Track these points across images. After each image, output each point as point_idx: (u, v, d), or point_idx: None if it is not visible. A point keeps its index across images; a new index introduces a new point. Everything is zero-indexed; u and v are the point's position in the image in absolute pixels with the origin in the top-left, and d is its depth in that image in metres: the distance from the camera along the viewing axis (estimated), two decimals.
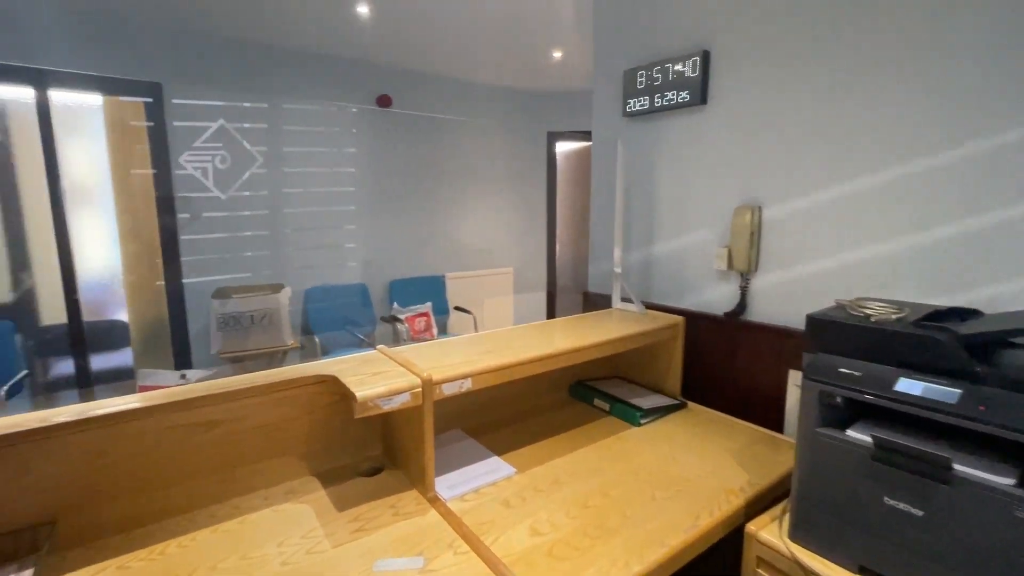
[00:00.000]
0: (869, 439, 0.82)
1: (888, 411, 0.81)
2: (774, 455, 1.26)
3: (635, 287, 1.85)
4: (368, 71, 3.72)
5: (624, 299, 1.76)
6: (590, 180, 2.03)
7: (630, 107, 1.77)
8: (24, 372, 2.52)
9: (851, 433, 0.85)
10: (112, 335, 3.10)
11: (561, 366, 1.27)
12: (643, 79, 1.71)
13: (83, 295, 2.98)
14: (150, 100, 3.01)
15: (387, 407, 0.99)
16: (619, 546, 0.92)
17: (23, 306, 2.89)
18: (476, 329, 4.04)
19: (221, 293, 3.12)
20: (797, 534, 0.91)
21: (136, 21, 2.93)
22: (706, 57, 1.54)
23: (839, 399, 0.86)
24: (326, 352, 3.51)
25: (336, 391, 1.17)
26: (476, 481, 1.13)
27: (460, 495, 1.08)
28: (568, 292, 4.98)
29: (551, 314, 4.91)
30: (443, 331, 4.06)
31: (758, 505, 1.08)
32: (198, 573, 0.86)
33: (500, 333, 1.41)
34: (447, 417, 1.39)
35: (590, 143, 2.02)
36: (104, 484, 0.96)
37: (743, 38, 1.46)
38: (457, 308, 4.20)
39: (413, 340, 3.50)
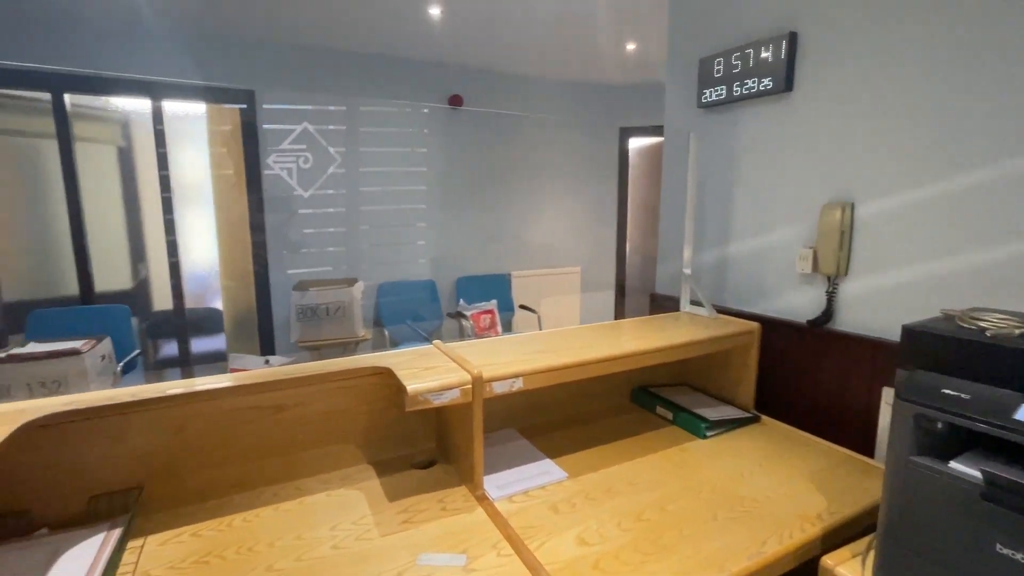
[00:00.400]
0: (978, 474, 0.70)
1: (1001, 442, 0.69)
2: (861, 482, 1.12)
3: (707, 290, 1.73)
4: (440, 72, 3.81)
5: (693, 302, 1.65)
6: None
7: (705, 97, 1.66)
8: (137, 351, 2.84)
9: (955, 465, 0.73)
10: (209, 321, 3.42)
11: (621, 369, 1.21)
12: (720, 67, 1.60)
13: (186, 285, 3.31)
14: (244, 106, 3.28)
15: (437, 402, 0.99)
16: (673, 566, 0.86)
17: (139, 293, 3.27)
18: (540, 328, 4.02)
19: (301, 285, 3.34)
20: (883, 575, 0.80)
21: (235, 35, 3.20)
22: (793, 39, 1.41)
23: (940, 424, 0.74)
24: (395, 344, 3.64)
25: (392, 383, 1.19)
26: (526, 483, 1.10)
27: (508, 496, 1.06)
28: (637, 293, 4.82)
29: (619, 315, 4.78)
30: (508, 329, 4.08)
31: (838, 537, 0.97)
32: (258, 547, 0.90)
33: (559, 332, 1.37)
34: (501, 415, 1.38)
35: (661, 138, 1.92)
36: (183, 457, 1.04)
37: (837, 16, 1.32)
38: (522, 307, 4.20)
39: (478, 336, 3.54)
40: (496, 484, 1.10)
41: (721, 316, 1.56)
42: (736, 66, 1.55)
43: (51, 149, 2.98)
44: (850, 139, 1.31)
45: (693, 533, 0.94)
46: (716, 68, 1.61)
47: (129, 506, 0.98)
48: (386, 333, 3.68)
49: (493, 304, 3.74)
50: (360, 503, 1.04)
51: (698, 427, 1.36)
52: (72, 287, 3.04)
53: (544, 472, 1.15)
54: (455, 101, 3.87)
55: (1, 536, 0.89)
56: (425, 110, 3.79)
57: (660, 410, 1.48)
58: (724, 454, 1.25)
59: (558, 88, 4.33)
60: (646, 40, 3.29)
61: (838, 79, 1.33)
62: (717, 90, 1.62)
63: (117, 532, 0.91)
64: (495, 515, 0.99)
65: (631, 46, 3.41)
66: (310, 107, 3.43)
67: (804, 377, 1.44)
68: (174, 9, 2.82)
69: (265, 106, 3.31)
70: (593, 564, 0.86)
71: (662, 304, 1.89)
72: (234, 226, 3.43)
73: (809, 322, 1.42)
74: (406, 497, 1.06)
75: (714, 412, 1.42)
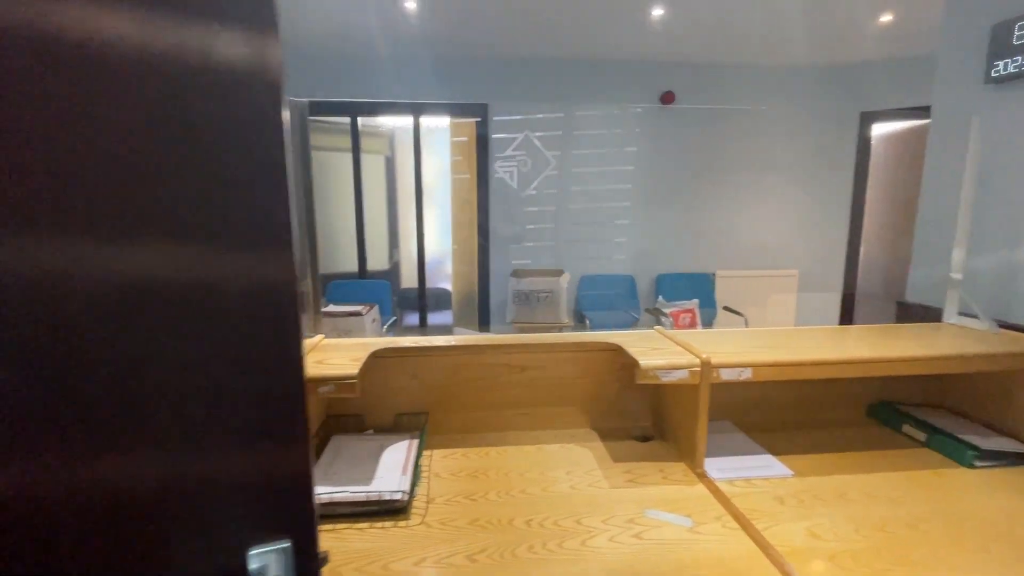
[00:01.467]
0: None
1: None
2: None
3: (983, 300, 1.46)
4: (653, 70, 3.83)
5: (963, 313, 1.42)
6: (921, 166, 1.67)
7: (997, 70, 1.39)
8: (393, 318, 3.57)
9: None
10: (441, 299, 4.09)
11: (862, 375, 1.13)
12: (1023, 31, 1.33)
13: (427, 268, 4.02)
14: (479, 119, 3.81)
15: (665, 379, 1.09)
16: None
17: (393, 272, 4.09)
18: None
19: (517, 273, 3.75)
20: None
21: (473, 55, 3.73)
22: None
23: None
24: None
25: (616, 360, 1.33)
26: (747, 471, 1.13)
27: (729, 479, 1.10)
28: (872, 300, 4.12)
29: (844, 324, 4.15)
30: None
31: None
32: (512, 474, 1.13)
33: (787, 331, 1.34)
34: (718, 407, 1.40)
35: (920, 122, 1.66)
36: (454, 395, 1.34)
37: None
38: (726, 308, 3.97)
39: None
40: (715, 467, 1.14)
41: (1004, 331, 1.31)
42: None
43: (343, 160, 3.92)
44: None
45: (953, 559, 0.86)
46: (1016, 34, 1.34)
47: (420, 425, 1.31)
48: (587, 321, 3.89)
49: (694, 303, 3.63)
50: (588, 458, 1.20)
51: (963, 454, 1.18)
52: (353, 265, 3.97)
53: (766, 465, 1.16)
54: (667, 99, 3.85)
55: (346, 430, 1.29)
56: (638, 109, 3.86)
57: (908, 429, 1.32)
58: (999, 489, 1.07)
59: (783, 73, 3.94)
60: (909, 7, 2.80)
61: None
62: (1016, 60, 1.35)
63: (416, 442, 1.23)
64: (716, 492, 1.05)
65: (886, 17, 2.94)
66: (530, 116, 3.81)
67: None
68: (428, 40, 3.43)
69: (495, 118, 3.80)
70: (829, 557, 0.86)
71: (915, 313, 1.65)
72: (464, 221, 4.03)
73: None
74: (628, 461, 1.18)
75: (987, 442, 1.21)
